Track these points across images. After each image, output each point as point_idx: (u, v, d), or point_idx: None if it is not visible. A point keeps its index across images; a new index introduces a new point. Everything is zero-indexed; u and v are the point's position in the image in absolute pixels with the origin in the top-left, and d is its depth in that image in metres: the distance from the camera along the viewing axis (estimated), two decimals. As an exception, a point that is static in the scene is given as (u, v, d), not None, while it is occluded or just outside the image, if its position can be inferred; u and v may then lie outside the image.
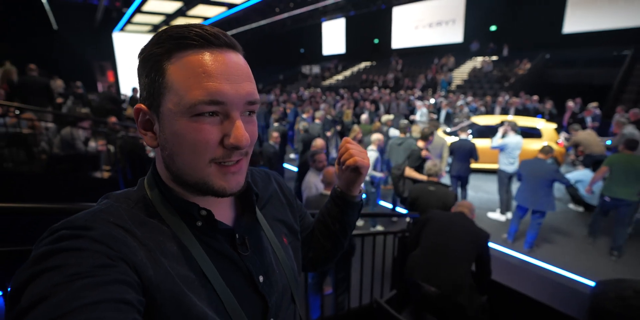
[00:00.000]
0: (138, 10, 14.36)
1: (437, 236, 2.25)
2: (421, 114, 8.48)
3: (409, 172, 3.67)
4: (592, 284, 3.13)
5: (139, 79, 0.48)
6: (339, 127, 7.59)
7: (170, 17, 16.17)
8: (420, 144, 3.95)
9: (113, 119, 4.64)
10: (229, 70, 0.45)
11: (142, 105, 0.48)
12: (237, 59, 0.47)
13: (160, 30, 0.48)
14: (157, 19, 16.85)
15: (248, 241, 0.55)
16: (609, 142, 5.37)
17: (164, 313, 0.41)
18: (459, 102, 9.16)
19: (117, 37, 19.46)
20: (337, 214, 0.73)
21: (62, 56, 14.19)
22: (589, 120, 6.99)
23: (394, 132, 6.16)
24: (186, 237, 0.48)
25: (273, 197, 0.67)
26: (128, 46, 19.93)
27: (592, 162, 4.88)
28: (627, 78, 9.79)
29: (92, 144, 4.14)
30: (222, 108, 0.45)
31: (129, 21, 16.68)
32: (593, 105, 7.54)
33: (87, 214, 0.44)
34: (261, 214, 0.62)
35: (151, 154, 4.91)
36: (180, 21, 17.19)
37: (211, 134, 0.45)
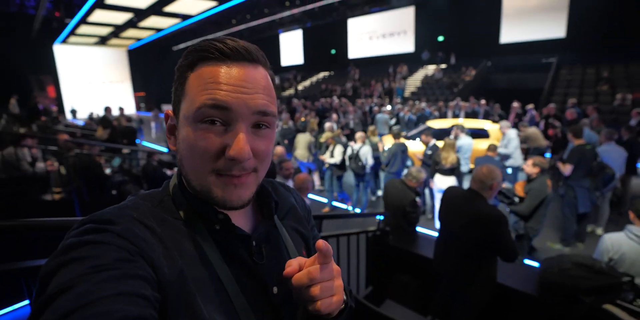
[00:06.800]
0: (83, 21, 13.48)
1: (447, 220, 2.02)
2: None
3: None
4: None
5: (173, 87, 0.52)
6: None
7: (119, 28, 15.39)
8: None
9: (64, 136, 4.33)
10: (240, 82, 0.46)
11: (170, 111, 0.52)
12: (254, 73, 0.48)
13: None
14: (105, 31, 15.92)
15: (265, 249, 0.54)
16: None
17: (172, 311, 0.41)
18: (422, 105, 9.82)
19: (59, 49, 18.00)
20: None
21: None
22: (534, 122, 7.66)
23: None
24: (204, 239, 0.48)
25: (292, 210, 0.67)
26: (72, 59, 18.21)
27: (538, 154, 5.46)
28: (554, 82, 11.09)
29: (41, 165, 3.82)
30: (226, 115, 0.45)
31: (72, 32, 15.56)
32: (529, 106, 8.44)
33: (114, 209, 0.46)
34: (281, 224, 0.61)
35: (107, 171, 4.62)
36: (131, 33, 16.45)
37: (211, 143, 0.45)
